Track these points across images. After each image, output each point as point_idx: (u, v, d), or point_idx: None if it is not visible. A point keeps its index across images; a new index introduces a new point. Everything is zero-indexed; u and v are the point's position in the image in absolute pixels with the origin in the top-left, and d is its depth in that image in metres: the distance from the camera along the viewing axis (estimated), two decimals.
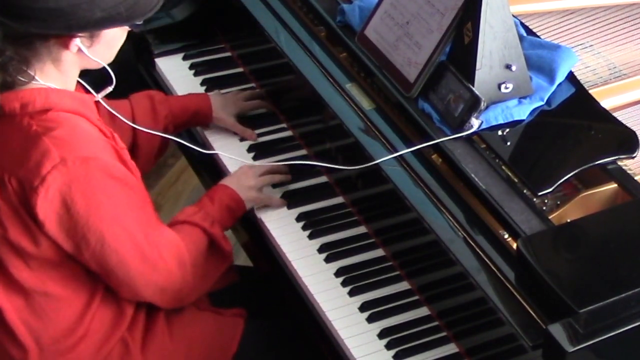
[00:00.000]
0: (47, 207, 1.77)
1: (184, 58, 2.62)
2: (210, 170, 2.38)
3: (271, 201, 2.19)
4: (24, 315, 1.89)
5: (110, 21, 1.77)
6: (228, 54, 2.64)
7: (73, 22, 1.74)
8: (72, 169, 1.76)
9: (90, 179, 1.78)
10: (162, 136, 2.24)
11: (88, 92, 1.98)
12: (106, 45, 1.85)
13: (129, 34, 1.90)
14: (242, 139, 2.38)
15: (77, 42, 1.79)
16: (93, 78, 1.97)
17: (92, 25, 1.77)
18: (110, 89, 1.95)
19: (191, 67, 2.59)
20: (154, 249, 1.87)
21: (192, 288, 1.97)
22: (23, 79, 1.80)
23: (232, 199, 2.11)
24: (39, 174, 1.76)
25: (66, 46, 1.79)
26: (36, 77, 1.81)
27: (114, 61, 1.91)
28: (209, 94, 2.42)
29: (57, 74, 1.83)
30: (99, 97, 1.96)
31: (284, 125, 2.42)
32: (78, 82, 1.93)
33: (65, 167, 1.76)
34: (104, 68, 1.89)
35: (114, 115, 2.13)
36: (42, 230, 1.80)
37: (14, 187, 1.79)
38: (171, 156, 3.45)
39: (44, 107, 1.80)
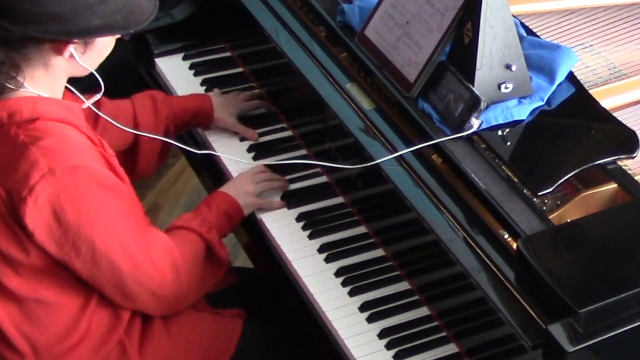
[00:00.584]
0: (36, 217, 1.77)
1: (184, 58, 2.62)
2: (210, 170, 2.38)
3: (270, 205, 2.18)
4: (18, 322, 1.88)
5: (107, 29, 1.78)
6: (228, 54, 2.64)
7: (72, 28, 1.74)
8: (61, 179, 1.76)
9: (79, 188, 1.78)
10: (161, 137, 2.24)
11: (77, 99, 1.98)
12: (97, 53, 1.85)
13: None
14: (242, 139, 2.38)
15: (71, 48, 1.79)
16: (83, 84, 1.97)
17: (90, 32, 1.77)
18: (99, 95, 1.94)
19: (191, 67, 2.59)
20: (145, 255, 1.87)
21: (186, 293, 1.97)
22: (11, 86, 1.80)
23: (229, 205, 2.11)
24: (28, 184, 1.75)
25: (60, 52, 1.79)
26: (25, 84, 1.80)
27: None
28: (210, 94, 2.42)
29: (46, 81, 1.83)
30: (88, 103, 1.96)
31: (284, 125, 2.42)
32: (67, 88, 1.93)
33: (53, 177, 1.75)
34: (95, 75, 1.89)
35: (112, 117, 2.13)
36: (32, 239, 1.79)
37: (2, 197, 1.78)
38: (171, 156, 3.44)
39: (31, 116, 1.80)
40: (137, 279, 1.87)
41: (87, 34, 1.77)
